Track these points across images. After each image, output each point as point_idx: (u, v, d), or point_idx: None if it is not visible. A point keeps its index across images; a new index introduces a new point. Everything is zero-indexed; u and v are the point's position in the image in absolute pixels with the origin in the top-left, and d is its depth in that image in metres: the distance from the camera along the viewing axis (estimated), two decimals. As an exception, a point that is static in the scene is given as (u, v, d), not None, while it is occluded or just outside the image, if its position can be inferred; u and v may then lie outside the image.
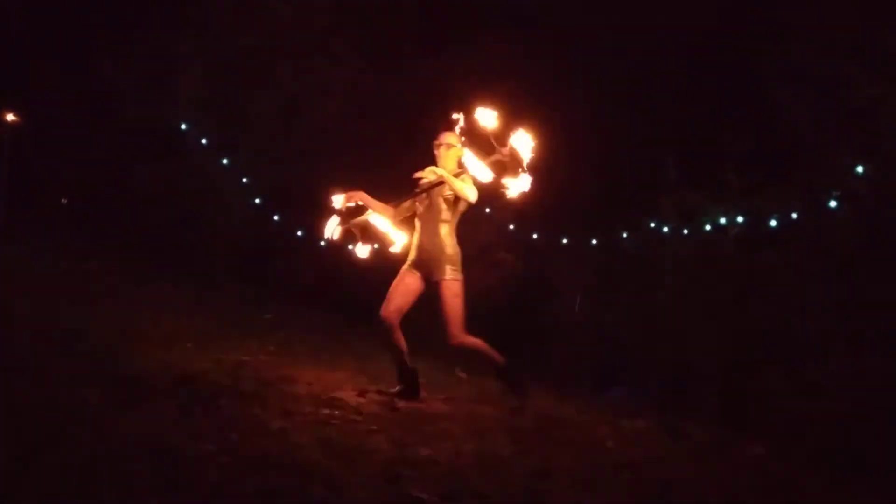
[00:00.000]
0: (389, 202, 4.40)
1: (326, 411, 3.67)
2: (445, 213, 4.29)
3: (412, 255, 4.33)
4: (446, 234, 4.28)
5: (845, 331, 5.43)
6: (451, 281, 4.22)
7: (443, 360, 5.98)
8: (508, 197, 4.19)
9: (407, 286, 4.27)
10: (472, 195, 4.18)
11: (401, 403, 4.15)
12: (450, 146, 4.32)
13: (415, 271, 4.30)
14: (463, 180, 4.19)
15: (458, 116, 4.24)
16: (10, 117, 8.76)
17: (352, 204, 4.36)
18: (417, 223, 4.35)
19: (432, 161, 4.41)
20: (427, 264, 4.26)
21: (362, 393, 4.30)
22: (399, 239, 4.38)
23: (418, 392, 4.33)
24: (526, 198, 4.24)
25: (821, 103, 5.96)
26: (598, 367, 7.70)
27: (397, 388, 4.32)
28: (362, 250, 4.43)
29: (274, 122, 8.51)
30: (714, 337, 6.56)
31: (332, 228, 4.36)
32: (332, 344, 5.98)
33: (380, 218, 4.38)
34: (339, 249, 4.64)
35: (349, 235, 4.41)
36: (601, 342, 7.81)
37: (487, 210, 8.79)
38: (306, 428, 3.30)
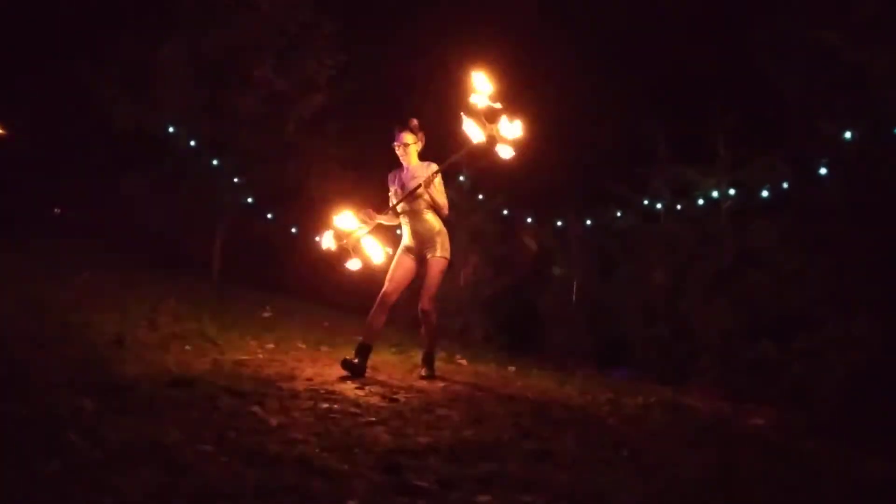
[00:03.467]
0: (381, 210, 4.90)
1: (325, 405, 3.68)
2: (426, 204, 4.82)
3: (407, 242, 4.86)
4: (432, 217, 4.82)
5: (838, 296, 5.44)
6: (441, 258, 4.79)
7: (442, 348, 6.00)
8: (503, 158, 4.50)
9: (406, 269, 4.83)
10: (444, 205, 4.81)
11: (400, 395, 4.16)
12: (408, 145, 4.84)
13: (409, 254, 4.85)
14: (435, 186, 4.76)
15: (412, 120, 4.86)
16: (-5, 130, 8.73)
17: (362, 225, 4.80)
18: (405, 219, 4.86)
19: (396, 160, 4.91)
20: (421, 245, 4.81)
21: (361, 386, 4.31)
22: (381, 255, 4.84)
23: (363, 372, 4.66)
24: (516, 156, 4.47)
25: (807, 72, 5.94)
26: (599, 347, 7.73)
27: (354, 359, 4.64)
28: (354, 264, 4.82)
29: (261, 119, 8.48)
30: (711, 311, 6.57)
31: (329, 241, 4.81)
32: (331, 339, 6.00)
33: (370, 238, 4.86)
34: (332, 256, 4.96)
35: (343, 251, 4.82)
36: (600, 322, 7.83)
37: (480, 197, 8.80)
38: (305, 423, 3.31)
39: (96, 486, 2.22)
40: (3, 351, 3.61)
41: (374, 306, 4.72)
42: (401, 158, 4.90)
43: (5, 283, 5.45)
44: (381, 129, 5.20)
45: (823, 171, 5.87)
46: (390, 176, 4.93)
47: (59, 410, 2.90)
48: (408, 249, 4.83)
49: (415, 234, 4.81)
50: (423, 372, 4.82)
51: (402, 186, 4.83)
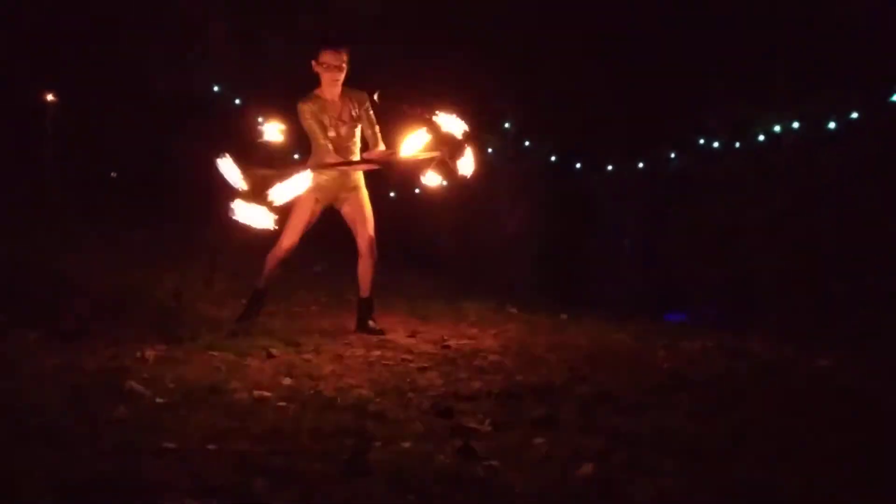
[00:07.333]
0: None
1: (378, 353, 3.72)
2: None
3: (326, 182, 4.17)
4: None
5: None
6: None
7: (493, 296, 5.98)
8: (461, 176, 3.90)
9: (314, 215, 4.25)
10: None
11: (451, 342, 4.17)
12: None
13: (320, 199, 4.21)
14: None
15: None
16: (49, 97, 8.94)
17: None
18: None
19: None
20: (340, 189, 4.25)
21: (413, 334, 4.35)
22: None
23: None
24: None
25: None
26: (654, 293, 7.56)
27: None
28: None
29: (305, 71, 8.40)
30: (774, 252, 6.30)
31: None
32: (383, 290, 6.02)
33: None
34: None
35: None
36: (656, 268, 7.64)
37: (527, 143, 8.60)
38: (358, 370, 3.35)
39: (160, 429, 2.29)
40: (69, 307, 3.76)
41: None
42: (332, 86, 4.16)
43: (67, 245, 5.65)
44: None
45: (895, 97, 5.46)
46: (308, 110, 4.18)
47: (122, 361, 3.01)
48: (318, 192, 4.10)
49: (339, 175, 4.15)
50: (372, 324, 4.24)
51: (343, 120, 4.19)
